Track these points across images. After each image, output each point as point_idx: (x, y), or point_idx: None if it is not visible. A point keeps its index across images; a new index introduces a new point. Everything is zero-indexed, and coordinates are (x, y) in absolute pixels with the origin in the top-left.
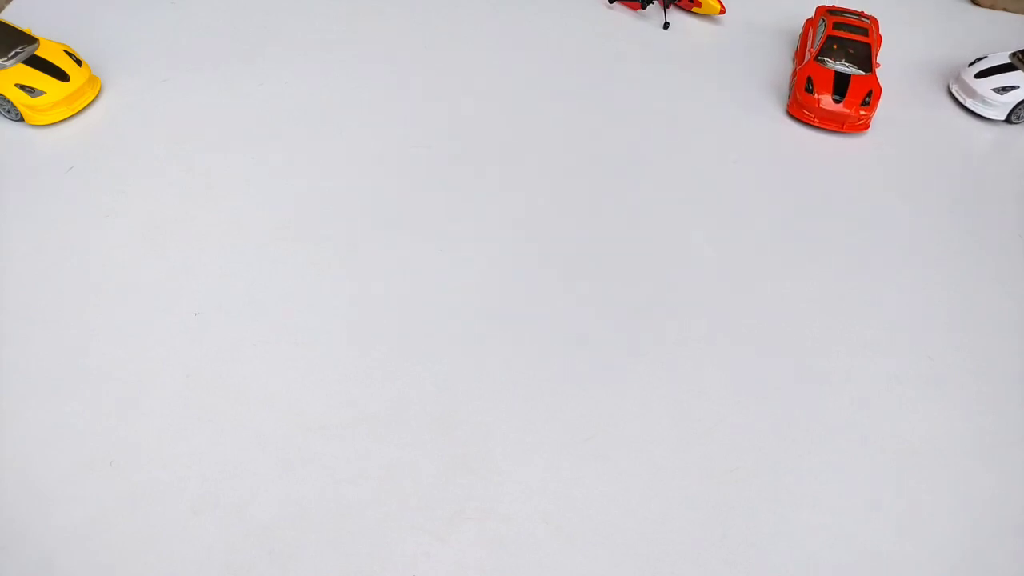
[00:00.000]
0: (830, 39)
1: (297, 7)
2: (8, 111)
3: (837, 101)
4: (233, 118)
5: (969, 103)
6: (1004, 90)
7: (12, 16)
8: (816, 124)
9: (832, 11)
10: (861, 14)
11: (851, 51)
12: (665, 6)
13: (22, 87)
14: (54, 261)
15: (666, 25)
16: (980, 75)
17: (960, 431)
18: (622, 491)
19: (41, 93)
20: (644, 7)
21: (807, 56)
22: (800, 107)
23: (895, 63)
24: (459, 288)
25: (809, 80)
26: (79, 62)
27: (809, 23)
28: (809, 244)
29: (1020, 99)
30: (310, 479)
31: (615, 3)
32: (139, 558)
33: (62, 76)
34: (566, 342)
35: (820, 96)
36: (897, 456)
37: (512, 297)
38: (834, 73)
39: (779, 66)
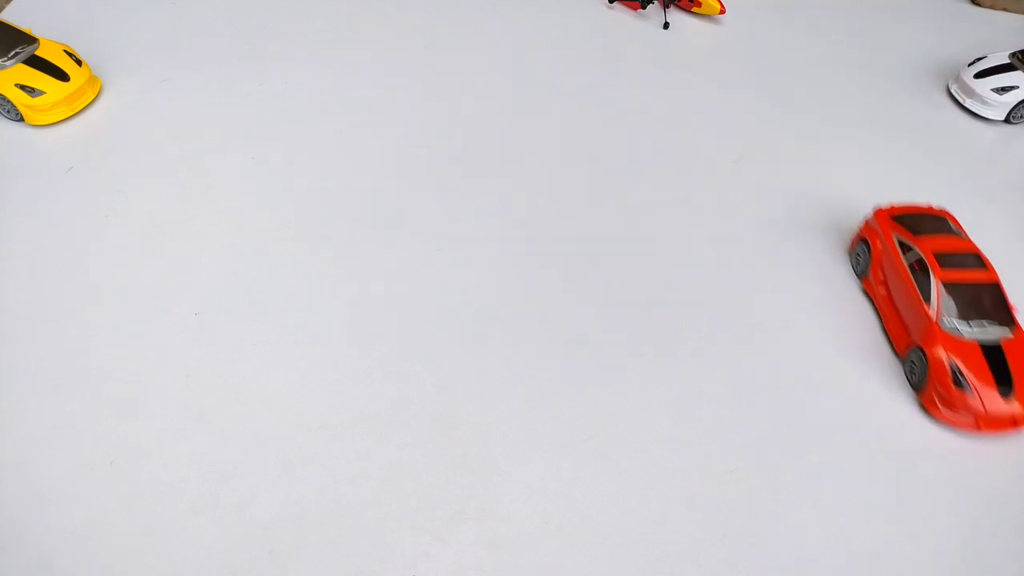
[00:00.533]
0: (945, 288)
1: (297, 7)
2: (8, 111)
3: (1006, 395)
4: (233, 118)
5: (969, 103)
6: (1003, 90)
7: (12, 16)
8: (977, 429)
9: (902, 221)
10: (939, 213)
11: (978, 298)
12: (665, 6)
13: (22, 87)
14: (54, 261)
15: (666, 25)
16: (980, 75)
17: (959, 431)
18: (622, 491)
19: (41, 93)
20: (644, 7)
21: (922, 318)
22: (950, 408)
23: (895, 63)
24: (459, 288)
25: (956, 371)
26: (79, 62)
27: (868, 232)
28: (809, 245)
29: (1019, 99)
30: (310, 479)
31: (615, 3)
32: (139, 558)
33: (62, 76)
34: (566, 342)
35: (982, 391)
36: (897, 456)
37: (512, 297)
38: (980, 347)
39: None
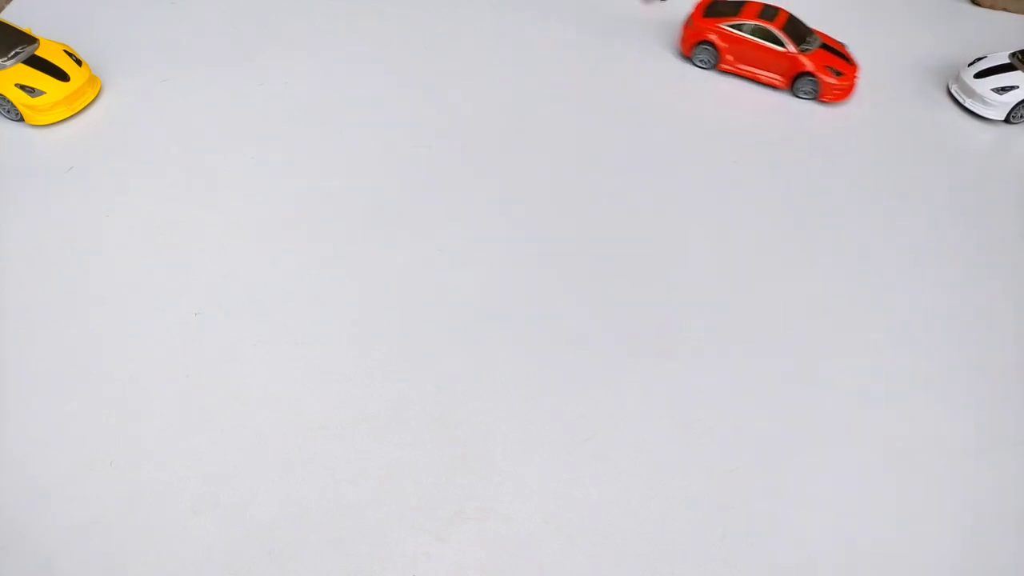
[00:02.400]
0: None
1: (297, 7)
2: (8, 111)
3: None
4: (233, 118)
5: (969, 103)
6: (1003, 90)
7: (12, 16)
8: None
9: (714, 12)
10: None
11: (793, 27)
12: None
13: (22, 87)
14: (54, 261)
15: None
16: (980, 75)
17: (959, 431)
18: (622, 491)
19: (41, 93)
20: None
21: (787, 58)
22: (840, 91)
23: (895, 63)
24: (459, 288)
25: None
26: (79, 62)
27: (699, 34)
28: (809, 245)
29: (1020, 99)
30: (310, 479)
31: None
32: (139, 558)
33: (62, 76)
34: (566, 342)
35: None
36: (897, 456)
37: (512, 297)
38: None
39: None
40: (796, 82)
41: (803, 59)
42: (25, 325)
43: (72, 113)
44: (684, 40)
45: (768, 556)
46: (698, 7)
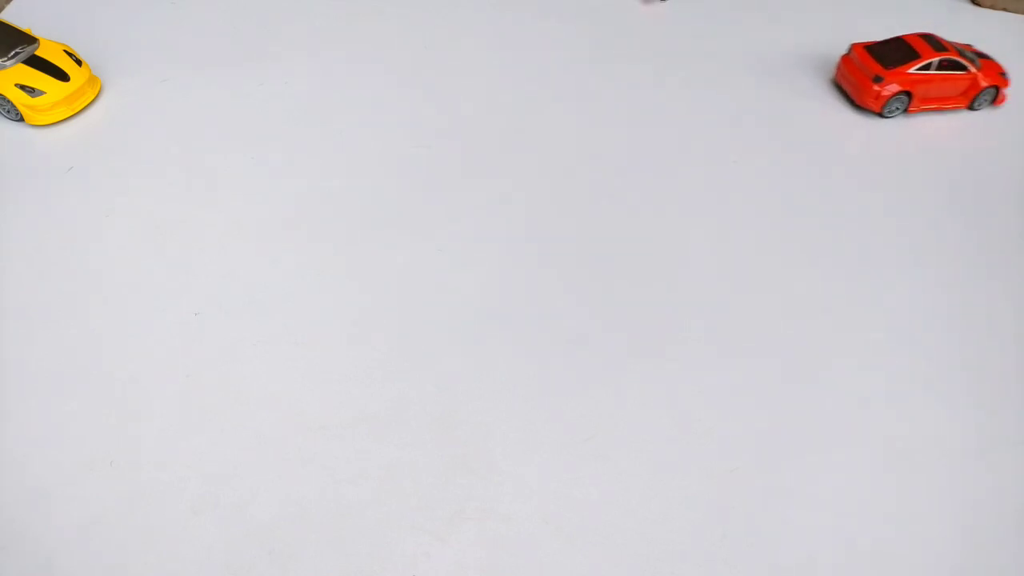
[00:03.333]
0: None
1: (297, 7)
2: (8, 111)
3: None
4: (233, 118)
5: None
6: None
7: (12, 16)
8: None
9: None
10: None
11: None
12: None
13: (22, 87)
14: (54, 261)
15: None
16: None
17: (959, 431)
18: (622, 491)
19: (41, 93)
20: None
21: (966, 80)
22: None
23: None
24: (459, 288)
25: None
26: (79, 62)
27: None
28: (809, 245)
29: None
30: (310, 479)
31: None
32: (139, 558)
33: (62, 76)
34: (567, 342)
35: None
36: (897, 456)
37: (512, 297)
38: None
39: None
40: (976, 98)
41: (981, 76)
42: (25, 325)
43: (72, 113)
44: (870, 98)
45: (768, 556)
46: (862, 61)
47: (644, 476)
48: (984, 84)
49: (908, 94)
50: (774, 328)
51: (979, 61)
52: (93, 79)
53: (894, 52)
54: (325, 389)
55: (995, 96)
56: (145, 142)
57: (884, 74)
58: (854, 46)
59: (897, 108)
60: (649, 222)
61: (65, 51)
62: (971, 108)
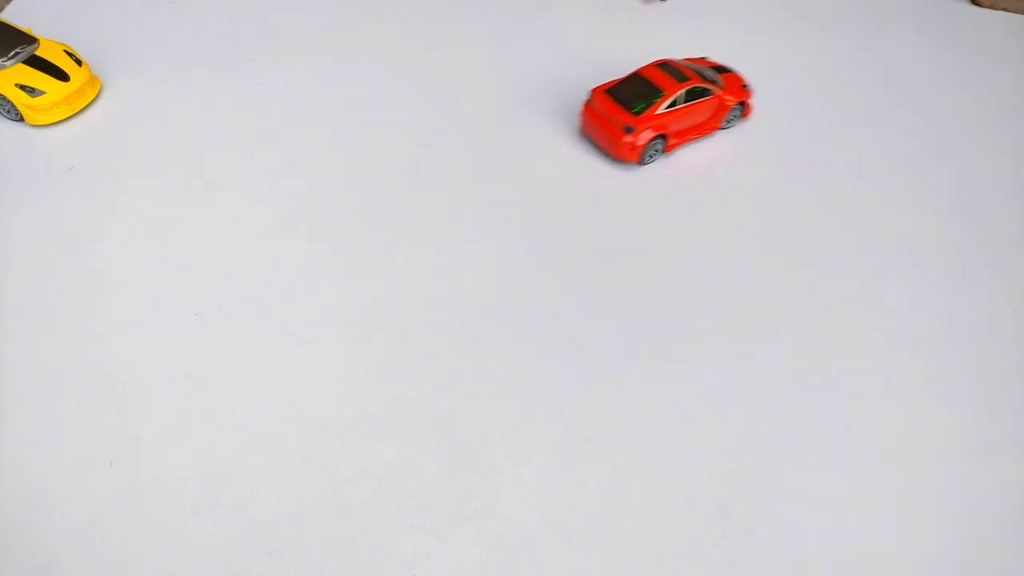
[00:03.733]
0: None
1: (297, 7)
2: (8, 111)
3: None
4: (233, 118)
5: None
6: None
7: (12, 16)
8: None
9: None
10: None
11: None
12: None
13: (22, 87)
14: (54, 261)
15: None
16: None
17: (959, 431)
18: (622, 491)
19: (41, 93)
20: None
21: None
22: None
23: (894, 63)
24: (459, 288)
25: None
26: (79, 62)
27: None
28: (809, 245)
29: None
30: (310, 479)
31: None
32: (139, 558)
33: (62, 76)
34: (566, 342)
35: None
36: (897, 456)
37: (512, 297)
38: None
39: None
40: (726, 118)
41: (726, 95)
42: (25, 325)
43: (72, 113)
44: (624, 150)
45: (768, 556)
46: (606, 109)
47: (644, 476)
48: (731, 103)
49: (663, 136)
50: (774, 328)
51: (720, 78)
52: (93, 79)
53: (636, 92)
54: (325, 389)
55: (743, 110)
56: (145, 142)
57: (634, 123)
58: (594, 92)
59: (655, 153)
60: (649, 222)
61: (65, 51)
62: (723, 128)
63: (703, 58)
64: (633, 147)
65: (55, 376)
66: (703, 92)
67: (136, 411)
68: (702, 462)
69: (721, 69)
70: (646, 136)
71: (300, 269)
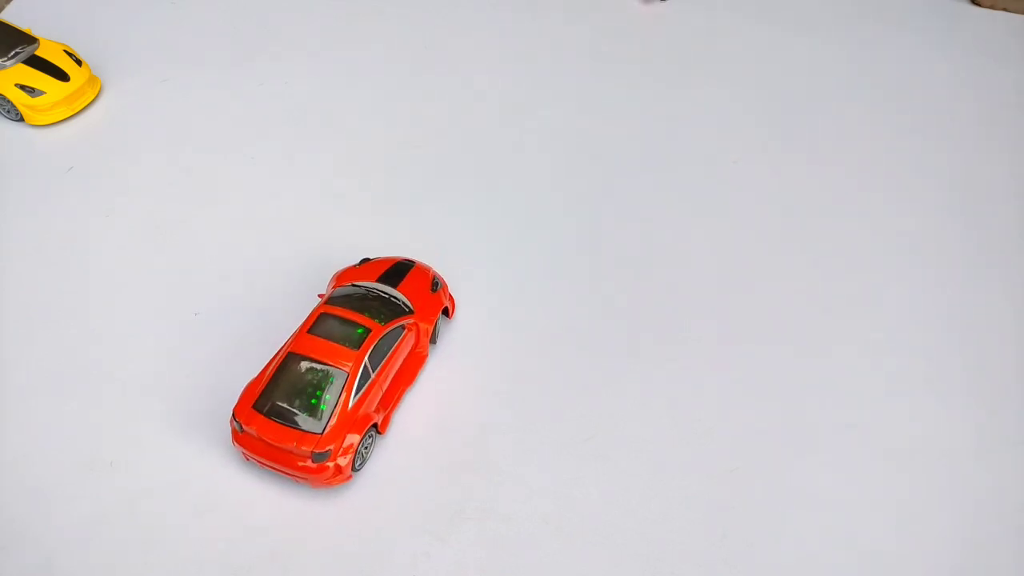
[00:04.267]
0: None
1: (297, 7)
2: (8, 111)
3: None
4: (233, 118)
5: None
6: None
7: (12, 16)
8: None
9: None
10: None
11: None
12: None
13: (22, 87)
14: (54, 261)
15: None
16: None
17: (959, 431)
18: (622, 491)
19: (41, 93)
20: None
21: None
22: None
23: (894, 63)
24: (459, 287)
25: None
26: (79, 62)
27: None
28: (809, 244)
29: None
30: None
31: None
32: (139, 558)
33: (62, 76)
34: (566, 342)
35: None
36: (897, 456)
37: (512, 297)
38: None
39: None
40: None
41: (420, 323)
42: (25, 325)
43: (72, 113)
44: (324, 478)
45: (768, 556)
46: (265, 435)
47: (644, 476)
48: (429, 325)
49: (373, 425)
50: (774, 328)
51: (400, 293)
52: (93, 79)
53: (299, 383)
54: None
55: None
56: (145, 142)
57: (320, 441)
58: (241, 415)
59: (369, 444)
60: (649, 221)
61: (65, 51)
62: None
63: (364, 262)
64: (339, 470)
65: (55, 376)
66: (394, 334)
67: (136, 411)
68: (702, 462)
69: (397, 271)
70: (351, 441)
71: (300, 269)
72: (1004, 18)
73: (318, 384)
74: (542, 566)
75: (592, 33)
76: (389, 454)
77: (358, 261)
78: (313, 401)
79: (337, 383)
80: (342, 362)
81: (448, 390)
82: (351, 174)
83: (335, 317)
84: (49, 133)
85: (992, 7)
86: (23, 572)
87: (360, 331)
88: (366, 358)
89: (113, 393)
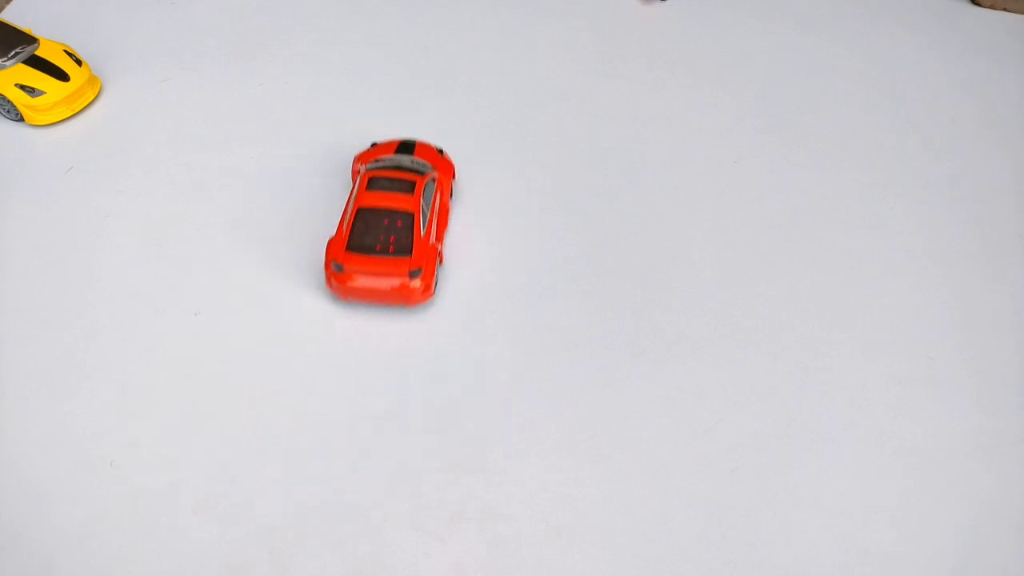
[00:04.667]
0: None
1: (297, 7)
2: (8, 111)
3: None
4: (233, 118)
5: None
6: None
7: (12, 16)
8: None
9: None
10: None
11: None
12: None
13: (22, 87)
14: (54, 261)
15: None
16: None
17: (960, 431)
18: (622, 491)
19: (41, 93)
20: None
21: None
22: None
23: (894, 63)
24: (459, 287)
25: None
26: (79, 62)
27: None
28: (809, 244)
29: None
30: (310, 479)
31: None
32: (139, 558)
33: (62, 76)
34: (566, 342)
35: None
36: (897, 456)
37: (511, 296)
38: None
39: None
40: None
41: (442, 177)
42: (25, 325)
43: (72, 113)
44: (415, 296)
45: (768, 556)
46: (361, 267)
47: (644, 476)
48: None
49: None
50: (774, 328)
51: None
52: (93, 79)
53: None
54: (325, 389)
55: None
56: (145, 142)
57: (414, 262)
58: (333, 252)
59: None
60: (649, 221)
61: (65, 51)
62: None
63: (374, 146)
64: (427, 287)
65: (55, 376)
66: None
67: (136, 411)
68: (702, 462)
69: (406, 146)
70: (430, 262)
71: (301, 269)
72: (1004, 18)
73: (392, 224)
74: (542, 566)
75: (592, 33)
76: (390, 454)
77: (369, 145)
78: (394, 236)
79: (407, 221)
80: (406, 205)
81: (448, 390)
82: (351, 173)
83: (382, 178)
84: (49, 133)
85: (992, 7)
86: (23, 572)
87: (408, 182)
88: (421, 200)
89: (113, 393)
